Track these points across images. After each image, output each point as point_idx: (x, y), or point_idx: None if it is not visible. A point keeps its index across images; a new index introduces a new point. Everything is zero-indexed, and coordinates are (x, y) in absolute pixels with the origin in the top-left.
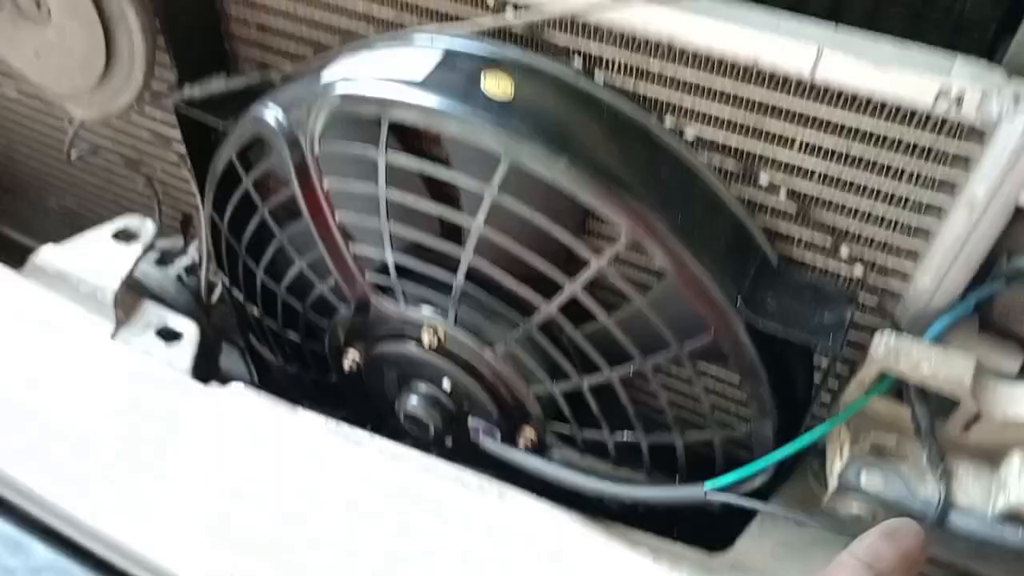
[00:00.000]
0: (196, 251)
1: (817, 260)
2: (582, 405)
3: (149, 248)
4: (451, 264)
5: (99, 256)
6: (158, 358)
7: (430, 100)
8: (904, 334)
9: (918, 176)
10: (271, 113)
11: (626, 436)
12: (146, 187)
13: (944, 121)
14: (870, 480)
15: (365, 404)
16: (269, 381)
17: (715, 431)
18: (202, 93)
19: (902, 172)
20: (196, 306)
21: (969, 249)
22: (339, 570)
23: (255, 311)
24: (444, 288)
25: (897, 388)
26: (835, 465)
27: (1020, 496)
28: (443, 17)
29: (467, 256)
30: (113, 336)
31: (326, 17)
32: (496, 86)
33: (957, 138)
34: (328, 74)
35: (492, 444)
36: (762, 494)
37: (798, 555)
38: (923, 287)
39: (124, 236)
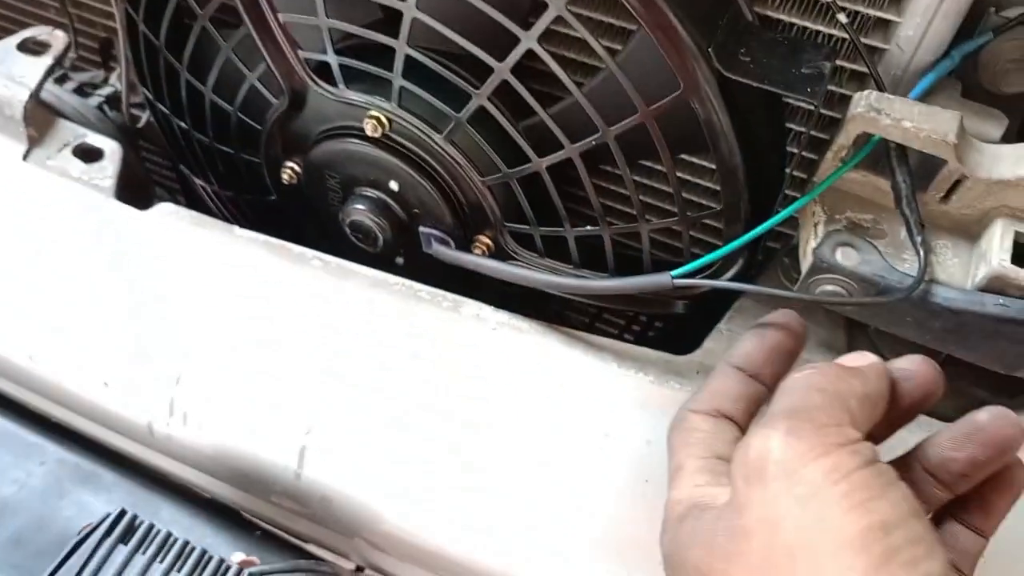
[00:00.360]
0: (117, 80)
1: (794, 17)
2: (540, 199)
3: (60, 61)
4: (392, 29)
5: (4, 69)
6: (77, 178)
7: None
8: (885, 93)
9: None
10: None
11: (588, 229)
12: (59, 13)
13: None
14: (846, 256)
15: (308, 230)
16: None
17: (683, 219)
18: None
19: None
20: (121, 136)
21: None
22: (288, 378)
23: (183, 124)
24: (386, 60)
25: (873, 163)
26: (808, 245)
27: (1002, 263)
28: None
29: (410, 10)
30: (25, 157)
31: None
32: None
33: None
34: None
35: (446, 251)
36: (731, 297)
37: None
38: (906, 38)
39: (31, 48)
